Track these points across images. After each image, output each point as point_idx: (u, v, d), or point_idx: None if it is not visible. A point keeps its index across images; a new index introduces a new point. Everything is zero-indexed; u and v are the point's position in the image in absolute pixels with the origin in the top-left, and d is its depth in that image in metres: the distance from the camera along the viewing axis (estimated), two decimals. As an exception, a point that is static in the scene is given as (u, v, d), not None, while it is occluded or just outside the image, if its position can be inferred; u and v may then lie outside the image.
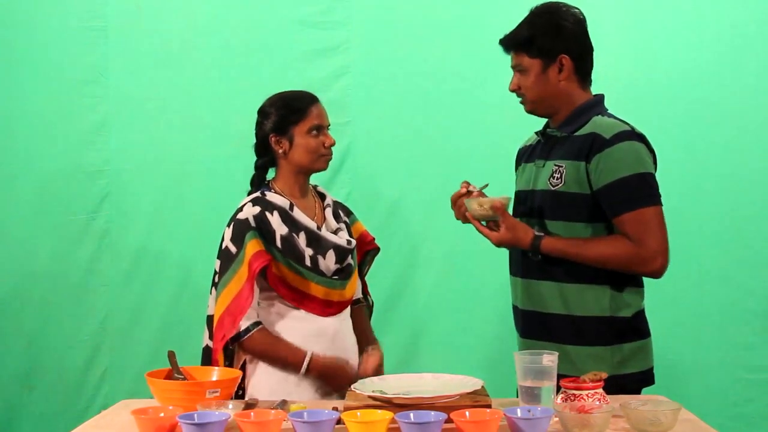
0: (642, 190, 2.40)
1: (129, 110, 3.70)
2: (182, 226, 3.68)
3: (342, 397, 2.50)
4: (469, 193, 2.49)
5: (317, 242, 2.62)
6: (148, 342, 3.65)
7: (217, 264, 2.60)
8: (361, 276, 2.87)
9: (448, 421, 1.91)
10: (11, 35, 3.69)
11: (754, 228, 3.61)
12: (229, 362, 2.55)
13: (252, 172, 2.73)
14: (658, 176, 2.49)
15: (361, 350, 2.73)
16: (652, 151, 2.49)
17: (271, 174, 2.72)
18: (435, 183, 3.63)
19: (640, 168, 2.41)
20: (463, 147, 3.63)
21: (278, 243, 2.57)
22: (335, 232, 2.69)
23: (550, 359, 2.10)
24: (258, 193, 2.64)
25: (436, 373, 2.34)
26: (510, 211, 2.50)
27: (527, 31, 2.50)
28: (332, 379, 2.56)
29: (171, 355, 2.35)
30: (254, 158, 2.73)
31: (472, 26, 3.66)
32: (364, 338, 2.76)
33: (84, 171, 3.69)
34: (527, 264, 2.53)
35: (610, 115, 2.53)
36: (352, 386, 2.22)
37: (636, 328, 2.49)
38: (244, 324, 2.53)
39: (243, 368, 2.59)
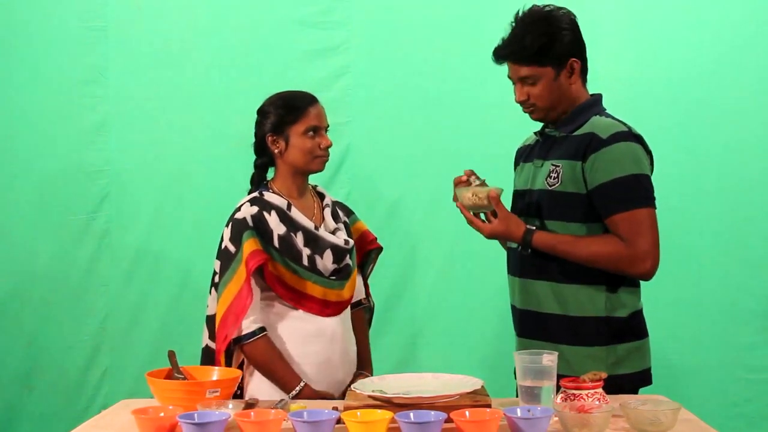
0: (636, 192, 2.40)
1: (129, 110, 3.70)
2: (182, 226, 3.68)
3: (342, 397, 2.50)
4: (468, 183, 2.48)
5: (315, 242, 2.61)
6: (148, 342, 3.65)
7: (216, 264, 2.60)
8: (364, 276, 2.87)
9: (448, 420, 1.91)
10: (11, 35, 3.69)
11: (754, 228, 3.61)
12: (228, 361, 2.55)
13: (251, 172, 2.73)
14: (657, 176, 2.49)
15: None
16: (649, 153, 2.49)
17: (271, 173, 2.73)
18: (435, 183, 3.63)
19: (635, 169, 2.41)
20: (463, 147, 3.62)
21: (276, 243, 2.57)
22: (333, 232, 2.68)
23: (550, 359, 2.10)
24: (256, 193, 2.65)
25: (436, 372, 2.35)
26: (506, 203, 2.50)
27: (531, 41, 2.45)
28: None
29: (171, 355, 2.35)
30: (254, 158, 2.73)
31: (472, 26, 3.65)
32: (359, 358, 2.75)
33: (84, 171, 3.69)
34: (524, 263, 2.54)
35: (608, 115, 2.53)
36: (352, 386, 2.22)
37: (632, 328, 2.49)
38: (248, 327, 2.52)
39: (241, 368, 2.58)
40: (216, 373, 2.34)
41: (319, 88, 2.92)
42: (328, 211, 2.73)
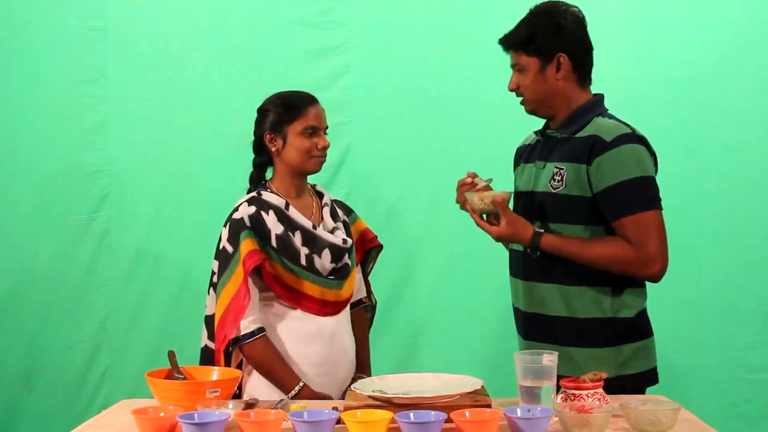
0: (642, 194, 2.40)
1: (129, 110, 3.70)
2: (182, 226, 3.68)
3: (342, 397, 2.50)
4: (474, 185, 2.48)
5: (313, 241, 2.61)
6: (148, 342, 3.65)
7: (215, 264, 2.60)
8: (365, 274, 2.87)
9: (448, 420, 1.91)
10: (11, 35, 3.69)
11: (754, 228, 3.61)
12: (227, 361, 2.55)
13: (251, 172, 2.74)
14: (658, 176, 2.48)
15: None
16: (653, 154, 2.48)
17: (270, 173, 2.73)
18: (435, 183, 3.64)
19: (641, 171, 2.41)
20: (463, 147, 3.62)
21: (273, 242, 2.57)
22: (332, 232, 2.68)
23: (549, 359, 2.10)
24: (254, 193, 2.65)
25: (436, 372, 2.35)
26: (510, 206, 2.50)
27: (525, 30, 2.50)
28: None
29: (171, 355, 2.35)
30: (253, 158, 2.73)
31: (472, 26, 3.65)
32: (357, 360, 2.75)
33: (84, 171, 3.69)
34: (528, 266, 2.53)
35: (611, 117, 2.53)
36: (352, 386, 2.22)
37: (638, 328, 2.49)
38: (246, 327, 2.52)
39: (239, 368, 2.58)
40: (216, 373, 2.34)
41: (319, 88, 2.92)
42: (326, 210, 2.73)
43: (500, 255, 2.77)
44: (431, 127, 3.69)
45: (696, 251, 3.58)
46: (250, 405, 2.15)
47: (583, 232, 2.45)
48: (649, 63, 3.64)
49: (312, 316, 2.60)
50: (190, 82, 3.70)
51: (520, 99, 2.57)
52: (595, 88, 2.60)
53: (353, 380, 2.64)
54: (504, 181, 2.60)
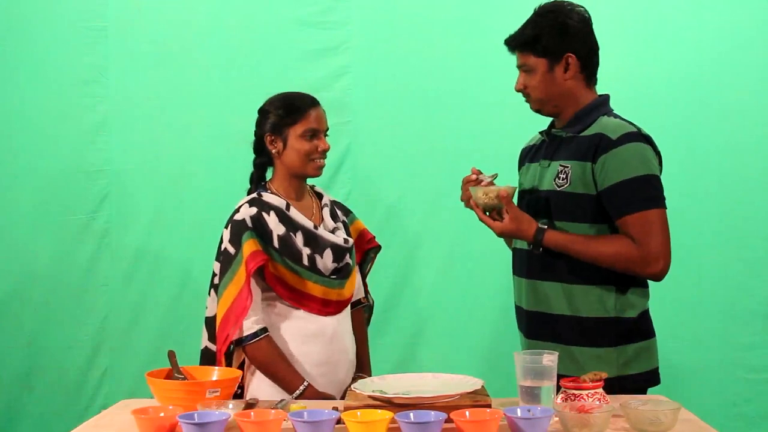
0: (647, 192, 2.40)
1: (129, 110, 3.70)
2: (182, 226, 3.68)
3: (342, 397, 2.50)
4: (478, 181, 2.48)
5: (314, 241, 2.62)
6: (148, 342, 3.65)
7: (216, 266, 2.60)
8: (363, 275, 2.87)
9: (448, 420, 1.91)
10: (11, 35, 3.69)
11: (754, 228, 3.61)
12: (228, 361, 2.55)
13: (251, 172, 2.74)
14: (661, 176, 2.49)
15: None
16: (658, 153, 2.49)
17: (270, 173, 2.73)
18: (435, 183, 3.64)
19: (646, 170, 2.41)
20: (463, 147, 3.62)
21: (275, 243, 2.57)
22: (333, 232, 2.68)
23: (549, 359, 2.10)
24: (254, 194, 2.65)
25: (436, 372, 2.35)
26: (515, 201, 2.50)
27: (533, 30, 2.49)
28: None
29: (171, 355, 2.35)
30: (253, 158, 2.73)
31: (472, 26, 3.66)
32: (357, 360, 2.75)
33: (84, 171, 3.69)
34: (532, 264, 2.53)
35: (616, 116, 2.53)
36: (352, 386, 2.22)
37: (641, 328, 2.49)
38: (250, 327, 2.52)
39: (241, 368, 2.59)
40: (216, 373, 2.34)
41: (319, 88, 2.92)
42: (326, 211, 2.73)
43: (500, 255, 2.77)
44: (431, 127, 3.69)
45: (696, 251, 3.58)
46: (250, 405, 2.15)
47: (588, 230, 2.45)
48: (650, 63, 3.64)
49: (314, 315, 2.60)
50: (190, 82, 3.70)
51: (525, 98, 2.56)
52: (596, 88, 2.60)
53: (353, 380, 2.64)
54: (507, 180, 2.59)
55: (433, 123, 3.68)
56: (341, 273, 2.66)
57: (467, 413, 1.94)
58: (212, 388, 2.16)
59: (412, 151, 3.69)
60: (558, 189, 2.48)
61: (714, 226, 3.61)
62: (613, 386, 2.22)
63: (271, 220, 2.59)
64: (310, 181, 2.76)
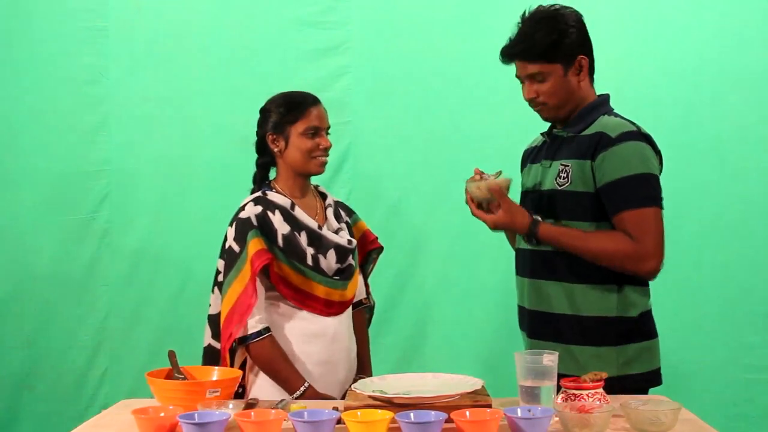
0: (644, 191, 2.40)
1: (129, 110, 3.70)
2: (182, 226, 3.68)
3: (343, 397, 2.50)
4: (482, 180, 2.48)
5: (318, 242, 2.62)
6: (148, 342, 3.65)
7: (220, 263, 2.60)
8: (365, 275, 2.88)
9: (449, 420, 1.91)
10: (11, 35, 3.69)
11: (754, 228, 3.61)
12: (231, 360, 2.55)
13: (252, 172, 2.74)
14: (660, 176, 2.48)
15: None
16: (658, 153, 2.49)
17: (273, 173, 2.73)
18: (435, 183, 3.64)
19: (644, 169, 2.41)
20: (464, 147, 3.62)
21: (280, 242, 2.57)
22: (336, 232, 2.69)
23: (550, 359, 2.10)
24: (259, 193, 2.65)
25: (437, 372, 2.34)
26: (518, 202, 2.49)
27: (547, 37, 2.45)
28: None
29: (171, 355, 2.35)
30: (253, 158, 2.73)
31: (472, 26, 3.66)
32: (358, 360, 2.75)
33: (84, 171, 3.69)
34: (534, 264, 2.53)
35: (617, 115, 2.53)
36: (352, 386, 2.22)
37: (642, 328, 2.49)
38: (253, 326, 2.52)
39: (242, 367, 2.59)
40: (216, 373, 2.34)
41: (319, 88, 2.92)
42: (330, 211, 2.73)
43: (501, 255, 2.77)
44: (431, 126, 3.69)
45: (696, 251, 3.58)
46: (250, 405, 2.15)
47: (589, 228, 2.44)
48: (649, 62, 3.64)
49: (316, 316, 2.60)
50: (190, 82, 3.70)
51: (538, 107, 2.52)
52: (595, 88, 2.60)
53: (354, 380, 2.64)
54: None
55: (433, 123, 3.69)
56: (344, 274, 2.66)
57: (467, 413, 1.94)
58: (212, 388, 2.16)
59: (412, 151, 3.69)
60: (559, 188, 2.48)
61: (714, 226, 3.61)
62: (614, 386, 2.22)
63: (276, 219, 2.59)
64: (314, 181, 2.76)
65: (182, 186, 3.70)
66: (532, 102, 2.53)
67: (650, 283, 2.51)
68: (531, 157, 2.69)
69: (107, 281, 3.70)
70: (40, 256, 3.69)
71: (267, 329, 2.54)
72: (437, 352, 3.66)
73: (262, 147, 2.70)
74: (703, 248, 3.60)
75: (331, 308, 2.62)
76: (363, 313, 2.87)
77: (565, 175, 2.47)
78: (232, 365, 2.53)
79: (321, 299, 2.60)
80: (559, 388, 2.12)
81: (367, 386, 2.21)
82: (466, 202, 2.51)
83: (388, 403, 2.09)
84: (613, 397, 2.13)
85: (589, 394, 2.07)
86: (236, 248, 2.55)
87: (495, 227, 2.48)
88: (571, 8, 2.54)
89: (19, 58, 3.69)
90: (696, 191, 3.59)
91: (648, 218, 2.38)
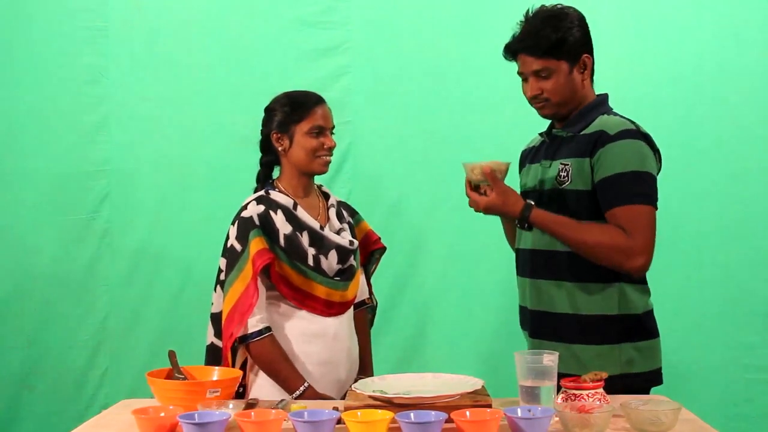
0: (638, 188, 2.40)
1: (129, 110, 3.71)
2: (183, 226, 3.68)
3: (343, 397, 2.50)
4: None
5: (320, 242, 2.62)
6: (148, 342, 3.65)
7: (222, 262, 2.60)
8: (368, 276, 2.88)
9: (449, 420, 1.91)
10: (11, 35, 3.69)
11: (754, 228, 3.61)
12: (233, 357, 2.55)
13: (252, 172, 2.74)
14: (660, 176, 2.48)
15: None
16: (657, 152, 2.49)
17: (276, 172, 2.73)
18: (436, 183, 3.64)
19: (640, 166, 2.41)
20: (464, 146, 3.62)
21: (282, 242, 2.57)
22: (338, 233, 2.69)
23: (550, 359, 2.10)
24: (262, 192, 2.65)
25: (437, 372, 2.35)
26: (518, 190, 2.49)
27: (554, 34, 2.45)
28: None
29: (171, 355, 2.35)
30: (253, 158, 2.73)
31: (472, 26, 3.66)
32: (360, 360, 2.75)
33: (84, 171, 3.69)
34: (535, 265, 2.53)
35: (616, 114, 2.54)
36: (352, 386, 2.22)
37: (644, 328, 2.49)
38: (254, 325, 2.52)
39: (243, 367, 2.59)
40: (216, 373, 2.34)
41: (320, 88, 2.91)
42: (333, 212, 2.74)
43: (501, 255, 2.77)
44: (432, 126, 3.69)
45: (696, 251, 3.57)
46: (250, 405, 2.15)
47: None
48: (649, 62, 3.64)
49: (316, 316, 2.60)
50: (190, 82, 3.70)
51: (540, 104, 2.52)
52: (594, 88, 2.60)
53: (355, 381, 2.64)
54: (510, 180, 2.58)
55: (433, 123, 3.69)
56: (345, 275, 2.66)
57: (467, 413, 1.94)
58: (212, 388, 2.16)
59: (412, 150, 3.69)
60: (560, 187, 2.48)
61: (714, 225, 3.61)
62: (616, 385, 2.22)
63: (278, 218, 2.59)
64: (317, 181, 2.76)
65: (182, 186, 3.70)
66: (535, 99, 2.52)
67: (650, 283, 2.51)
68: (530, 157, 2.69)
69: (107, 281, 3.70)
70: (40, 256, 3.69)
71: (268, 329, 2.54)
72: (437, 352, 3.66)
73: (266, 146, 2.70)
74: (703, 248, 3.60)
75: (331, 309, 2.62)
76: (365, 313, 2.87)
77: (564, 174, 2.47)
78: (233, 364, 2.53)
79: (321, 299, 2.60)
80: (559, 388, 2.12)
81: (367, 386, 2.21)
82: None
83: (388, 403, 2.09)
84: (613, 397, 2.13)
85: (589, 394, 2.07)
86: (238, 247, 2.55)
87: (486, 209, 2.44)
88: (574, 8, 2.55)
89: (19, 58, 3.69)
90: (696, 191, 3.59)
91: (640, 215, 2.38)
